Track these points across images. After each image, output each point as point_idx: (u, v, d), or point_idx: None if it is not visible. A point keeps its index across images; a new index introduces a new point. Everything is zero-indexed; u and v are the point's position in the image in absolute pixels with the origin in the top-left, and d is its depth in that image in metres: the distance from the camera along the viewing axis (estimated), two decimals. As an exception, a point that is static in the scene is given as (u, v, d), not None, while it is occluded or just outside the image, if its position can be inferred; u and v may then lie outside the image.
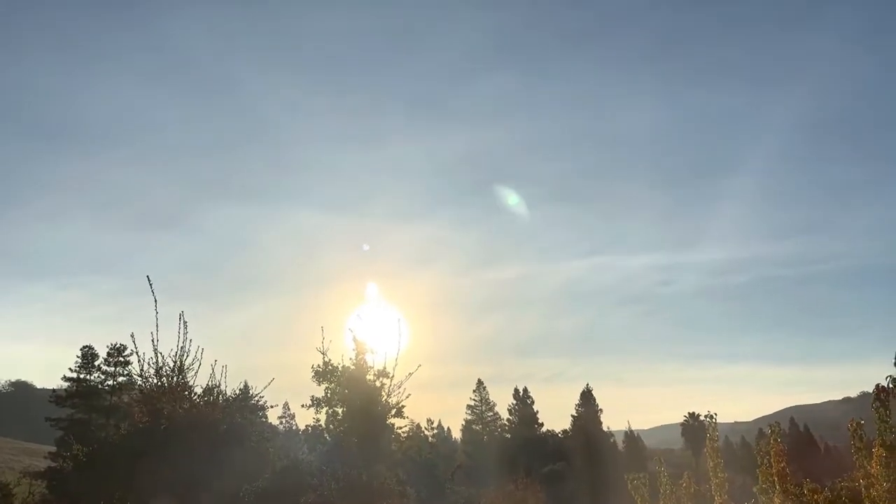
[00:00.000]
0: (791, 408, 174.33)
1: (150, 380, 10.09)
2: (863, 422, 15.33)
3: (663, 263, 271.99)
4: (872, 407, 12.96)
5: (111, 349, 54.17)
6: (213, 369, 10.33)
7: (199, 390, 10.33)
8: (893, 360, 11.30)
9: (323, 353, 10.43)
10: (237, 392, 10.69)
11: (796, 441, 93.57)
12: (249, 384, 11.07)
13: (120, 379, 53.87)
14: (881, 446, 13.24)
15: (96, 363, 55.09)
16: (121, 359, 53.99)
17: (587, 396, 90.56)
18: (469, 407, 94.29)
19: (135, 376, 10.32)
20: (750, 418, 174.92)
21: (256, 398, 10.95)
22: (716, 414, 22.85)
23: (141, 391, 10.24)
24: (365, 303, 11.17)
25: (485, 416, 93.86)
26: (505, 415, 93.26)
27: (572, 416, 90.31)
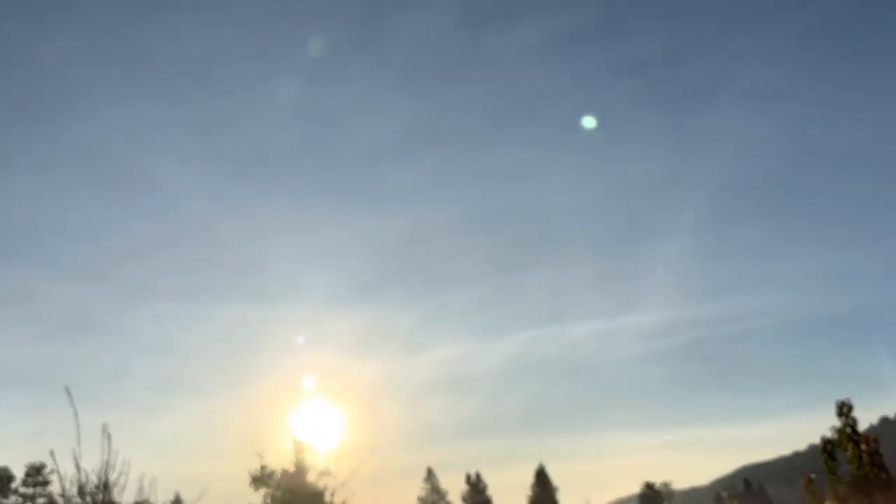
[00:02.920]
0: (744, 467, 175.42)
1: (73, 500, 9.52)
2: (814, 476, 15.46)
3: (602, 330, 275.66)
4: (821, 459, 13.09)
5: (29, 469, 51.22)
6: (141, 482, 9.74)
7: (126, 508, 9.65)
8: (835, 411, 11.52)
9: (260, 457, 9.91)
10: (169, 506, 9.96)
11: (752, 501, 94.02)
12: (181, 496, 10.36)
13: (39, 501, 50.71)
14: (833, 499, 13.32)
15: (13, 485, 51.73)
16: (40, 478, 50.86)
17: (542, 476, 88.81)
18: (420, 499, 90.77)
19: (56, 496, 9.62)
20: (706, 481, 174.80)
21: (190, 511, 10.22)
22: (671, 482, 22.70)
23: (62, 513, 9.52)
24: (303, 398, 10.78)
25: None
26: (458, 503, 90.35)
27: (528, 496, 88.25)
